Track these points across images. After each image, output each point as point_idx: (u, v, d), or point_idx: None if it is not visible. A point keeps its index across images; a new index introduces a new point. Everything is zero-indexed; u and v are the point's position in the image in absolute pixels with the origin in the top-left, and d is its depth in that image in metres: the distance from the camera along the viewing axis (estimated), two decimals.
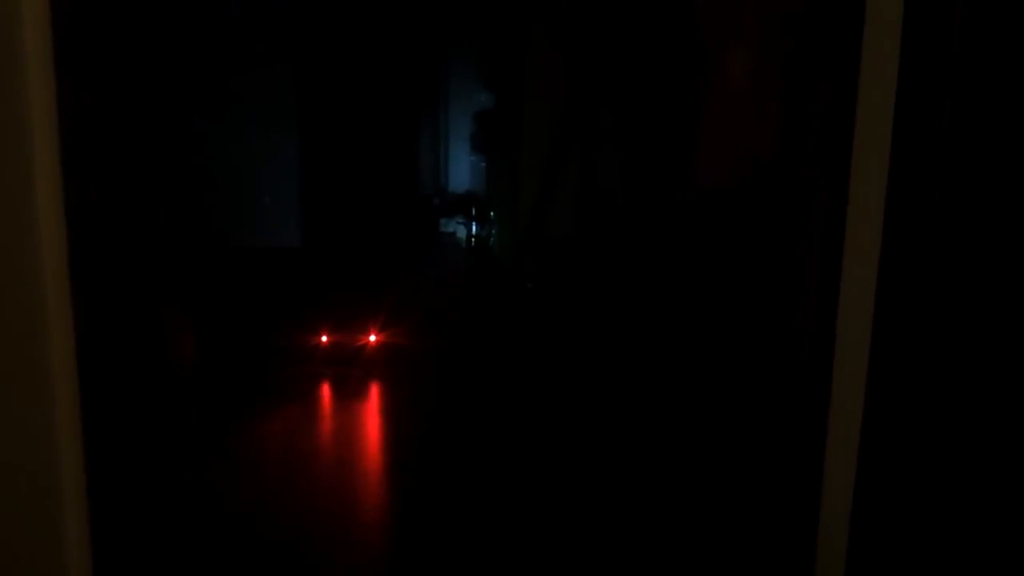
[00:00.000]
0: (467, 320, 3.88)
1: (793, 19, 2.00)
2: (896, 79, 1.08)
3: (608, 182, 3.29)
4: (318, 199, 3.92)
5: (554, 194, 3.47)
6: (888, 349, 1.14)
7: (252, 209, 3.76)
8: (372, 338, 3.35)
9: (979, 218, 1.08)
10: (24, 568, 1.06)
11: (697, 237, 2.56)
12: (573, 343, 3.16)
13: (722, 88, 2.17)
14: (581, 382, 2.88)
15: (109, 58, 1.20)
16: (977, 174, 1.07)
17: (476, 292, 4.42)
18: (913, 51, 1.08)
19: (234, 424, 2.53)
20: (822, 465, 1.24)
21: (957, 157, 1.07)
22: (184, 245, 1.49)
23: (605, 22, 3.06)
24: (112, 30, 1.21)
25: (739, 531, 1.83)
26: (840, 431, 1.21)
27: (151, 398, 1.34)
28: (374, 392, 2.99)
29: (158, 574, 1.42)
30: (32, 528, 1.06)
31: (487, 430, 2.61)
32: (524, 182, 3.60)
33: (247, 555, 1.81)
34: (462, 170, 5.86)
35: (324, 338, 3.31)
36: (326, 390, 2.98)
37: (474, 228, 5.10)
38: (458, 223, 5.37)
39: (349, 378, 3.07)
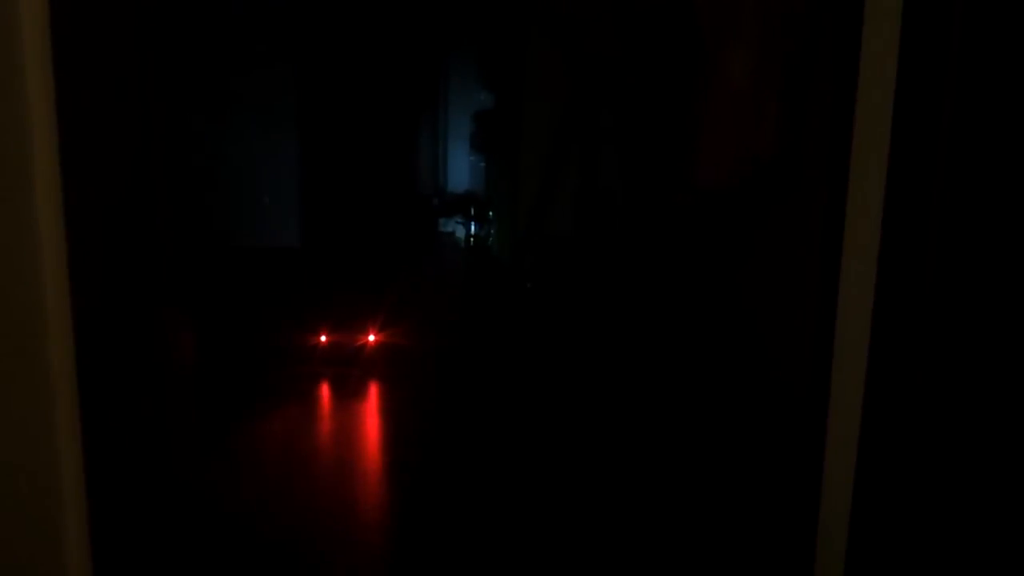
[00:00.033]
0: (467, 320, 3.88)
1: (793, 19, 2.00)
2: (895, 79, 1.09)
3: (608, 182, 3.29)
4: (318, 199, 3.91)
5: (554, 194, 3.47)
6: (887, 349, 1.14)
7: (252, 209, 3.76)
8: (372, 338, 3.35)
9: (978, 218, 1.08)
10: (24, 568, 1.06)
11: (697, 237, 2.56)
12: (573, 343, 3.16)
13: (722, 88, 2.17)
14: (581, 382, 2.88)
15: (109, 58, 1.20)
16: (976, 174, 1.07)
17: (475, 292, 4.42)
18: (912, 51, 1.08)
19: (234, 424, 2.53)
20: (822, 465, 1.24)
21: (956, 157, 1.08)
22: (184, 245, 1.49)
23: (605, 22, 3.06)
24: (112, 30, 1.21)
25: (739, 531, 1.83)
26: (839, 431, 1.21)
27: (151, 398, 1.34)
28: (374, 392, 2.99)
29: (158, 574, 1.42)
30: (32, 528, 1.06)
31: (487, 430, 2.61)
32: (524, 182, 3.60)
33: (247, 555, 1.81)
34: (461, 170, 5.86)
35: (324, 338, 3.31)
36: (326, 390, 2.98)
37: (473, 228, 5.10)
38: (457, 223, 5.36)
39: (349, 378, 3.07)
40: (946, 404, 1.12)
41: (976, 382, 1.10)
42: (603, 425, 2.57)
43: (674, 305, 2.68)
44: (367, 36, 4.17)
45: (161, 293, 1.36)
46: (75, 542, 1.08)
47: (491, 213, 4.87)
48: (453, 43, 5.33)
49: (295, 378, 3.05)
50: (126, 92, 1.26)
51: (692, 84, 2.31)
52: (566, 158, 3.41)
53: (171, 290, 1.40)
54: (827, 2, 1.80)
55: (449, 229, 5.54)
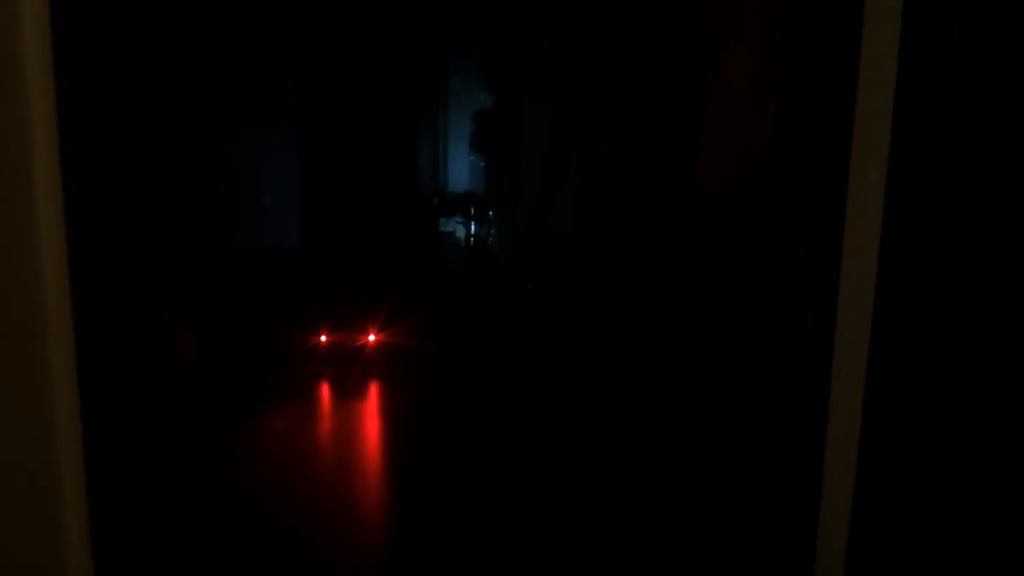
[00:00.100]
0: (467, 320, 3.88)
1: (793, 19, 2.00)
2: (895, 79, 1.09)
3: (608, 182, 3.29)
4: (318, 199, 3.91)
5: (554, 194, 3.47)
6: (888, 349, 1.14)
7: (252, 209, 3.76)
8: (372, 338, 3.35)
9: (978, 218, 1.08)
10: (24, 568, 1.06)
11: (697, 237, 2.56)
12: (573, 343, 3.16)
13: (722, 88, 2.17)
14: (581, 382, 2.88)
15: (109, 58, 1.20)
16: (976, 174, 1.07)
17: (475, 292, 4.42)
18: (912, 51, 1.08)
19: (234, 424, 2.53)
20: (822, 465, 1.24)
21: (956, 157, 1.08)
22: (184, 245, 1.50)
23: (605, 22, 3.06)
24: (112, 30, 1.21)
25: (739, 531, 1.83)
26: (839, 431, 1.21)
27: (151, 398, 1.34)
28: (374, 392, 2.99)
29: (158, 574, 1.42)
30: (32, 528, 1.06)
31: (487, 430, 2.61)
32: (524, 182, 3.60)
33: (247, 555, 1.81)
34: (461, 170, 5.85)
35: (324, 338, 3.31)
36: (326, 390, 2.98)
37: (473, 228, 5.10)
38: (457, 223, 5.36)
39: (349, 378, 3.07)
40: (946, 404, 1.12)
41: (976, 382, 1.10)
42: (603, 425, 2.57)
43: (674, 305, 2.68)
44: (367, 36, 4.17)
45: (161, 293, 1.36)
46: (76, 542, 1.08)
47: (491, 213, 4.87)
48: (453, 43, 5.33)
49: (295, 378, 3.04)
50: (126, 92, 1.26)
51: (692, 84, 2.31)
52: (566, 158, 3.41)
53: (171, 290, 1.40)
54: (827, 2, 1.80)
55: (449, 229, 5.54)
